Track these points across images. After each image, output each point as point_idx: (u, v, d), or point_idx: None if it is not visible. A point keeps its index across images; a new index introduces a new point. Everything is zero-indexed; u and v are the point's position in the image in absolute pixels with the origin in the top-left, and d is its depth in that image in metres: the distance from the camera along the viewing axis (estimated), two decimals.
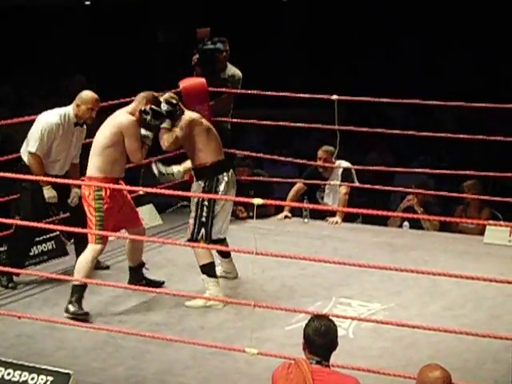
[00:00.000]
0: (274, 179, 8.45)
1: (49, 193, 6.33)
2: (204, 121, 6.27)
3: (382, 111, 12.08)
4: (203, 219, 6.12)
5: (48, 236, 7.03)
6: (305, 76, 12.84)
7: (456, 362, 5.06)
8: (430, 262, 6.71)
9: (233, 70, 8.15)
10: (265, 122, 8.53)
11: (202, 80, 7.93)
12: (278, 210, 8.11)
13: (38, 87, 13.49)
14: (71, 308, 5.77)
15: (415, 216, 7.79)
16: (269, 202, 5.28)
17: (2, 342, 5.52)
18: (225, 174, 6.19)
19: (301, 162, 8.38)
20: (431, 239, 7.59)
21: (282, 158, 8.95)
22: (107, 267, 6.72)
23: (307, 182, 8.07)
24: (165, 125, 6.08)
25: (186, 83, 7.90)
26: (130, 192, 6.33)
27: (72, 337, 5.52)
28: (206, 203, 6.10)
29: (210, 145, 6.17)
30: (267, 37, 13.72)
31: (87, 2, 14.95)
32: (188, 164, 6.32)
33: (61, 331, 5.56)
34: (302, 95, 7.90)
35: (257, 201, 4.97)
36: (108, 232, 5.90)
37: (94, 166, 5.98)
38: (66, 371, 4.79)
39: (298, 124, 8.22)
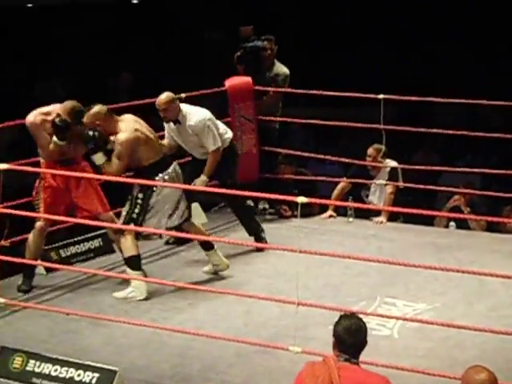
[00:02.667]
0: (319, 178, 8.43)
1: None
2: (135, 127, 6.31)
3: (430, 110, 11.99)
4: (134, 215, 6.24)
5: (95, 234, 7.11)
6: (351, 75, 12.79)
7: (501, 362, 5.02)
8: (477, 263, 6.65)
9: (280, 68, 8.13)
10: (310, 121, 8.52)
11: (248, 79, 7.95)
12: (323, 209, 8.10)
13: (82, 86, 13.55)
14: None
15: (462, 216, 7.74)
16: (313, 200, 5.27)
17: (50, 338, 5.59)
18: (162, 173, 6.27)
19: (346, 160, 8.36)
20: (478, 239, 7.53)
21: (327, 157, 8.94)
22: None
23: (352, 180, 8.04)
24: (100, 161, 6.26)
25: (231, 82, 7.94)
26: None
27: (118, 334, 5.57)
28: (139, 201, 6.23)
29: (146, 149, 6.28)
30: (316, 35, 13.68)
31: (134, 1, 15.06)
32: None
33: (107, 328, 5.61)
34: (349, 94, 7.89)
35: (301, 199, 4.96)
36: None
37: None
38: (113, 368, 4.85)
39: (344, 123, 8.21)
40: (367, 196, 8.05)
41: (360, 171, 8.03)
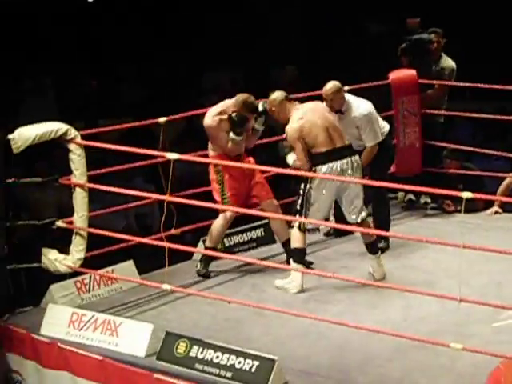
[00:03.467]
0: (485, 173, 8.24)
1: None
2: (301, 116, 6.28)
3: None
4: (298, 207, 6.23)
5: (258, 224, 7.23)
6: None
7: None
8: None
9: (446, 62, 8.01)
10: (477, 115, 8.34)
11: (413, 72, 7.87)
12: (488, 205, 7.92)
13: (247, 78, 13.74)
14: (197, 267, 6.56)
15: None
16: (478, 196, 5.17)
17: (212, 325, 5.74)
18: (327, 164, 6.20)
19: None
20: None
21: (494, 152, 8.73)
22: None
23: None
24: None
25: (395, 75, 7.88)
26: None
27: (277, 323, 5.65)
28: (301, 191, 6.23)
29: (311, 138, 6.26)
30: (485, 27, 13.35)
31: None
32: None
33: (267, 317, 5.69)
34: None
35: (466, 194, 4.88)
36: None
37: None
38: (272, 357, 4.91)
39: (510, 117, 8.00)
40: None
41: None
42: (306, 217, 6.21)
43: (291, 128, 6.26)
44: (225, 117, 6.42)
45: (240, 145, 6.50)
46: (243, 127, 6.41)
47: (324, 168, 6.22)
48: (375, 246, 6.38)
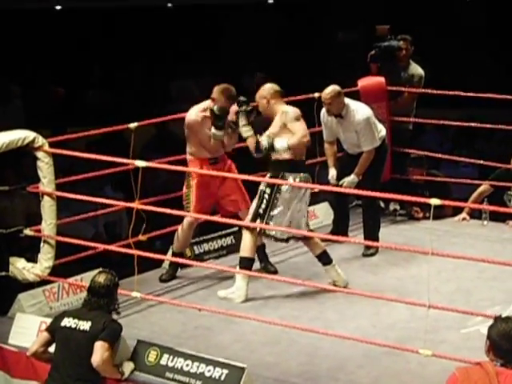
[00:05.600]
0: (450, 179, 8.26)
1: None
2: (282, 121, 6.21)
3: None
4: (260, 210, 6.15)
5: (228, 231, 7.20)
6: (488, 75, 12.53)
7: None
8: None
9: (415, 69, 8.05)
10: (446, 123, 8.39)
11: (381, 79, 7.91)
12: (456, 212, 7.96)
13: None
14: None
15: None
16: (446, 202, 5.20)
17: (182, 333, 5.72)
18: (295, 173, 6.13)
19: (480, 162, 8.19)
20: None
21: (459, 158, 8.78)
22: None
23: (491, 183, 7.77)
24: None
25: (364, 82, 7.91)
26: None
27: (248, 330, 5.65)
28: (266, 196, 6.13)
29: None
30: (446, 35, 13.48)
31: (270, 1, 15.15)
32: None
33: (238, 324, 5.70)
34: (487, 95, 7.73)
35: (434, 201, 4.91)
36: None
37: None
38: (241, 365, 4.90)
39: (479, 125, 8.06)
40: (510, 200, 7.82)
41: (505, 174, 7.77)
42: (267, 223, 6.16)
43: (295, 110, 6.19)
44: (208, 114, 6.39)
45: (219, 143, 6.44)
46: (224, 119, 6.33)
47: (291, 177, 6.16)
48: (326, 257, 6.30)
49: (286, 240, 6.32)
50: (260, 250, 6.56)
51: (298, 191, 6.15)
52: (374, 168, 6.98)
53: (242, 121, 6.22)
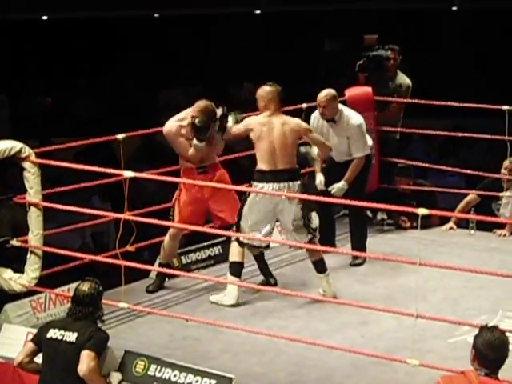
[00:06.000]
0: (437, 189, 8.29)
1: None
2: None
3: None
4: (236, 219, 6.19)
5: (215, 241, 7.20)
6: (471, 86, 12.60)
7: None
8: None
9: (402, 79, 8.07)
10: (433, 132, 8.41)
11: (368, 89, 7.92)
12: (443, 221, 7.98)
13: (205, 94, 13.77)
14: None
15: None
16: (434, 212, 5.21)
17: (170, 343, 5.71)
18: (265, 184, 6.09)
19: (467, 172, 8.22)
20: None
21: (446, 168, 8.79)
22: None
23: (479, 192, 7.79)
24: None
25: (351, 92, 7.92)
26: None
27: (236, 341, 5.64)
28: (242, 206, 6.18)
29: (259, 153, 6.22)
30: (432, 47, 13.55)
31: (257, 11, 15.19)
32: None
33: (225, 334, 5.68)
34: (472, 105, 7.77)
35: (422, 211, 4.90)
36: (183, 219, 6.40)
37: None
38: (229, 375, 4.90)
39: (466, 134, 8.10)
40: (498, 210, 7.84)
41: (493, 183, 7.80)
42: (239, 231, 6.17)
43: (303, 124, 6.26)
44: (185, 123, 6.38)
45: (202, 155, 6.45)
46: (205, 133, 6.34)
47: (259, 186, 6.12)
48: (322, 265, 6.29)
49: (266, 247, 6.39)
50: (258, 260, 6.57)
51: (270, 199, 6.09)
52: (360, 177, 7.00)
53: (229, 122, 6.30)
